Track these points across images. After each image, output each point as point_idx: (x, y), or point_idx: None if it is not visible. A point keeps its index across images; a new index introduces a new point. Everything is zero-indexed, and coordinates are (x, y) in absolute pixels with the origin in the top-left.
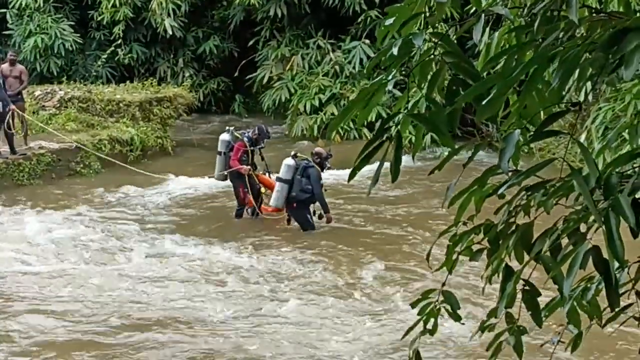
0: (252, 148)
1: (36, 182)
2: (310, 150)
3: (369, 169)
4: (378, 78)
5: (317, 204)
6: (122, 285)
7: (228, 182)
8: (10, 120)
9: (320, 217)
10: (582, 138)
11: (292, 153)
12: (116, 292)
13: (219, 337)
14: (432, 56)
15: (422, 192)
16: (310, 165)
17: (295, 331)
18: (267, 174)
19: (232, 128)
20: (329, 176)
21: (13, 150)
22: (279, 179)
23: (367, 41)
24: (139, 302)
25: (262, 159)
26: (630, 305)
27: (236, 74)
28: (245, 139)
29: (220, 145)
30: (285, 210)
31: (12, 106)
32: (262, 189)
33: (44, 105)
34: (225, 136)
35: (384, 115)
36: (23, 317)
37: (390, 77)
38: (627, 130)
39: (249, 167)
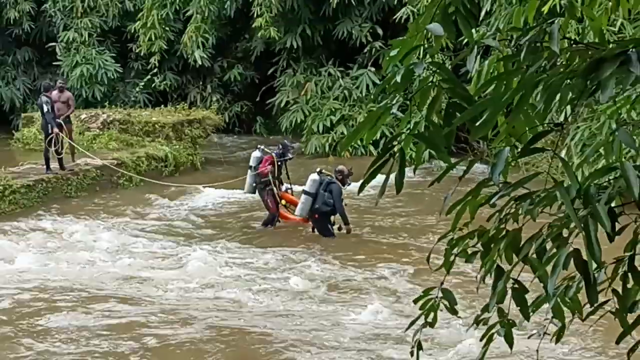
0: (279, 161)
1: (83, 194)
2: (333, 166)
3: (376, 182)
4: (383, 102)
5: (338, 215)
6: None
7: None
8: (61, 142)
9: (339, 228)
10: (563, 154)
11: (318, 169)
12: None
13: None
14: (431, 83)
15: (422, 201)
16: (333, 182)
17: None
18: (289, 190)
19: (262, 146)
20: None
21: (62, 167)
22: (304, 192)
23: (373, 69)
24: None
25: (288, 176)
26: (607, 301)
27: (257, 99)
28: (274, 154)
29: (251, 160)
30: (308, 220)
31: (56, 129)
32: (283, 202)
33: (89, 127)
34: (256, 153)
35: (388, 134)
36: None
37: (394, 101)
38: (602, 147)
39: (271, 179)
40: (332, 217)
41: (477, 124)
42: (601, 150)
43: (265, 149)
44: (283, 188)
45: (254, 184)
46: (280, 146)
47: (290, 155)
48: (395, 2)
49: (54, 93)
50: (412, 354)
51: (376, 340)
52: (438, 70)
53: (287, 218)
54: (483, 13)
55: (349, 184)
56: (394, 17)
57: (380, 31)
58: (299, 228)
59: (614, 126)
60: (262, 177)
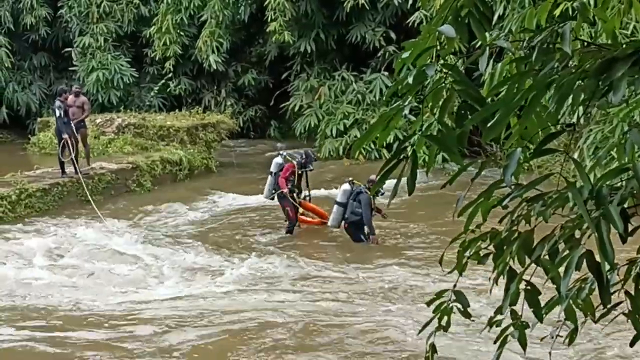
0: (300, 171)
1: (97, 198)
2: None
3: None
4: (396, 104)
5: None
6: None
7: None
8: (69, 146)
9: (367, 237)
10: (575, 156)
11: (349, 179)
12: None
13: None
14: (443, 84)
15: (435, 203)
16: (362, 191)
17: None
18: (307, 198)
19: (285, 152)
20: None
21: (77, 170)
22: (336, 202)
23: (386, 73)
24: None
25: (307, 184)
26: (620, 303)
27: (272, 103)
28: (295, 162)
29: (272, 166)
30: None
31: (65, 136)
32: (300, 210)
33: (104, 131)
34: (278, 159)
35: (401, 137)
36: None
37: (406, 103)
38: (615, 149)
39: (287, 191)
40: (365, 227)
41: (489, 125)
42: (614, 153)
43: (287, 156)
44: (301, 196)
45: (273, 190)
46: (304, 155)
47: (311, 167)
48: (409, 6)
49: (70, 97)
50: (427, 359)
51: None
52: (450, 72)
53: (306, 222)
54: (496, 17)
55: (382, 194)
56: (407, 22)
57: (393, 35)
58: (323, 232)
59: (626, 129)
60: (280, 187)
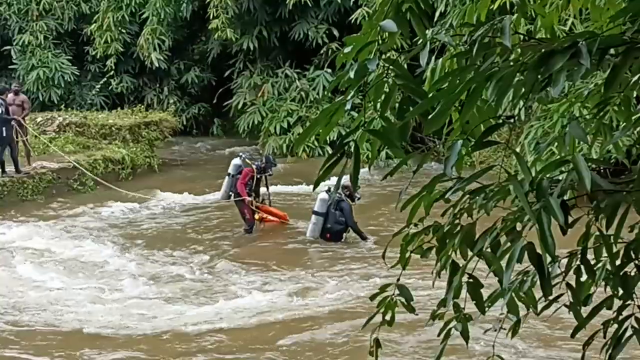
0: (259, 175)
1: (38, 197)
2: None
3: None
4: (338, 99)
5: (351, 233)
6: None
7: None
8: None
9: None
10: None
11: (326, 188)
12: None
13: None
14: (385, 79)
15: (378, 199)
16: (342, 199)
17: None
18: (267, 202)
19: (244, 155)
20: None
21: (17, 170)
22: (314, 212)
23: (329, 70)
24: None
25: (267, 188)
26: (561, 295)
27: (215, 101)
28: (254, 166)
29: (231, 168)
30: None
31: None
32: (258, 215)
33: (44, 130)
34: (237, 161)
35: (343, 134)
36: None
37: (349, 98)
38: (555, 142)
39: (251, 199)
40: (344, 235)
41: (430, 117)
42: (554, 148)
43: (247, 159)
44: (259, 200)
45: (231, 193)
46: (264, 160)
47: (270, 172)
48: (351, 4)
49: (9, 96)
50: (371, 353)
51: None
52: (392, 67)
53: (269, 220)
54: (437, 14)
55: (359, 198)
56: (350, 19)
57: (336, 33)
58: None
59: (566, 123)
60: (240, 193)
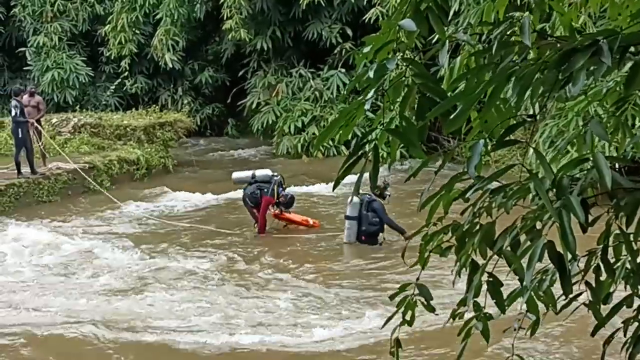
0: (275, 211)
1: (54, 198)
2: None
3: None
4: (357, 99)
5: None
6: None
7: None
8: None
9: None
10: (531, 150)
11: (360, 192)
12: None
13: None
14: (404, 78)
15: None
16: (373, 200)
17: None
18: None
19: (279, 177)
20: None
21: (33, 171)
22: (347, 217)
23: (343, 70)
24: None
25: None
26: (581, 293)
27: (229, 101)
28: (274, 197)
29: (258, 172)
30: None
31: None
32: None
33: (60, 131)
34: (268, 172)
35: (359, 134)
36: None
37: (368, 98)
38: (575, 140)
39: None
40: (380, 235)
41: (451, 117)
42: (569, 147)
43: (277, 185)
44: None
45: (247, 199)
46: (288, 197)
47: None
48: (365, 3)
49: (25, 97)
50: (392, 354)
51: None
52: (410, 66)
53: (290, 220)
54: (451, 13)
55: (389, 195)
56: (364, 18)
57: (350, 32)
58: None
59: (580, 123)
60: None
